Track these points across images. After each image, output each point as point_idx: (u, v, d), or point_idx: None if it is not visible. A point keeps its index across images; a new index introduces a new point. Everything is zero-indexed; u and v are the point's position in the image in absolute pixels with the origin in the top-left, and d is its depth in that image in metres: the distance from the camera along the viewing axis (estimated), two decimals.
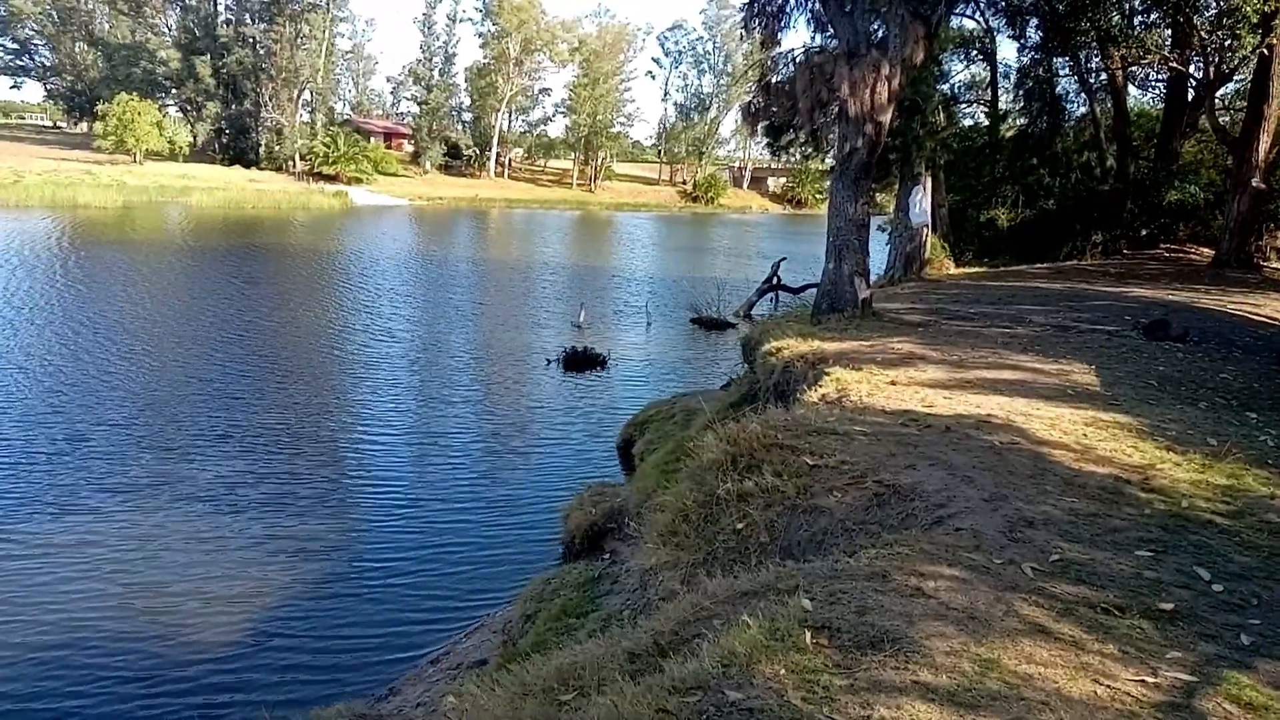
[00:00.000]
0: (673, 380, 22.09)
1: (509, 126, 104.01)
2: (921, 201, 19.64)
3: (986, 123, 30.35)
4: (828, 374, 8.55)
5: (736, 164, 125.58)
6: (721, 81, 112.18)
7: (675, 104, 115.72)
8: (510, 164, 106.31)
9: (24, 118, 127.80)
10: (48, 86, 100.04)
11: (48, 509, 12.26)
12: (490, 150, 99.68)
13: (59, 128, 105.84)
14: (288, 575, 10.77)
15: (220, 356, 21.43)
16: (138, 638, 9.16)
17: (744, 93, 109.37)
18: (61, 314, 24.86)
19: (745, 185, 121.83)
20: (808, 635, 3.48)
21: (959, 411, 7.07)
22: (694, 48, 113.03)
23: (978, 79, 31.95)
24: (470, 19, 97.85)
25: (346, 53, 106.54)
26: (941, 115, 22.70)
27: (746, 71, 79.83)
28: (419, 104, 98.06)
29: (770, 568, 4.42)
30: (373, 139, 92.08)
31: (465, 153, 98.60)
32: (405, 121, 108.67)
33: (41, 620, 9.32)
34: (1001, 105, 30.68)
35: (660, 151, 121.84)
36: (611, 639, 4.33)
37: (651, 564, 5.53)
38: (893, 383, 8.16)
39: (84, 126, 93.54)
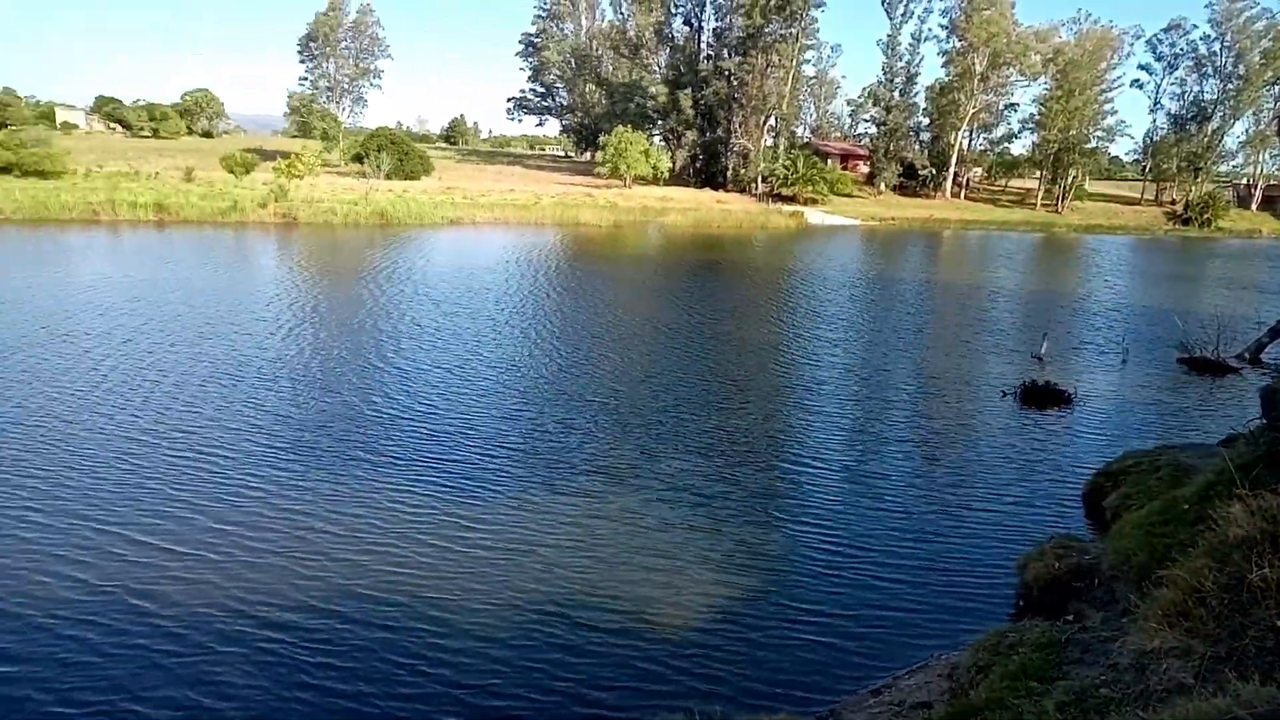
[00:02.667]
0: (1151, 428, 19.36)
1: (969, 145, 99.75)
2: None
3: None
4: None
5: (1243, 181, 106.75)
6: (1229, 86, 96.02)
7: (1167, 114, 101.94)
8: (968, 183, 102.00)
9: (544, 149, 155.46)
10: (563, 122, 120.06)
11: (510, 504, 13.50)
12: (947, 169, 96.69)
13: (569, 157, 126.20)
14: (729, 589, 11.18)
15: (668, 366, 23.18)
16: (589, 641, 9.84)
17: (1259, 95, 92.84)
18: (537, 317, 28.98)
19: (1254, 205, 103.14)
20: None
21: None
22: (1195, 49, 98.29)
23: None
24: (935, 37, 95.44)
25: (810, 78, 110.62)
26: None
27: None
28: (877, 125, 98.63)
29: None
30: (829, 161, 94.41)
31: (921, 172, 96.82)
32: (862, 143, 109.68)
33: (507, 621, 10.20)
34: None
35: (1144, 168, 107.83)
36: None
37: (1154, 646, 4.83)
38: None
39: (588, 155, 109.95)
